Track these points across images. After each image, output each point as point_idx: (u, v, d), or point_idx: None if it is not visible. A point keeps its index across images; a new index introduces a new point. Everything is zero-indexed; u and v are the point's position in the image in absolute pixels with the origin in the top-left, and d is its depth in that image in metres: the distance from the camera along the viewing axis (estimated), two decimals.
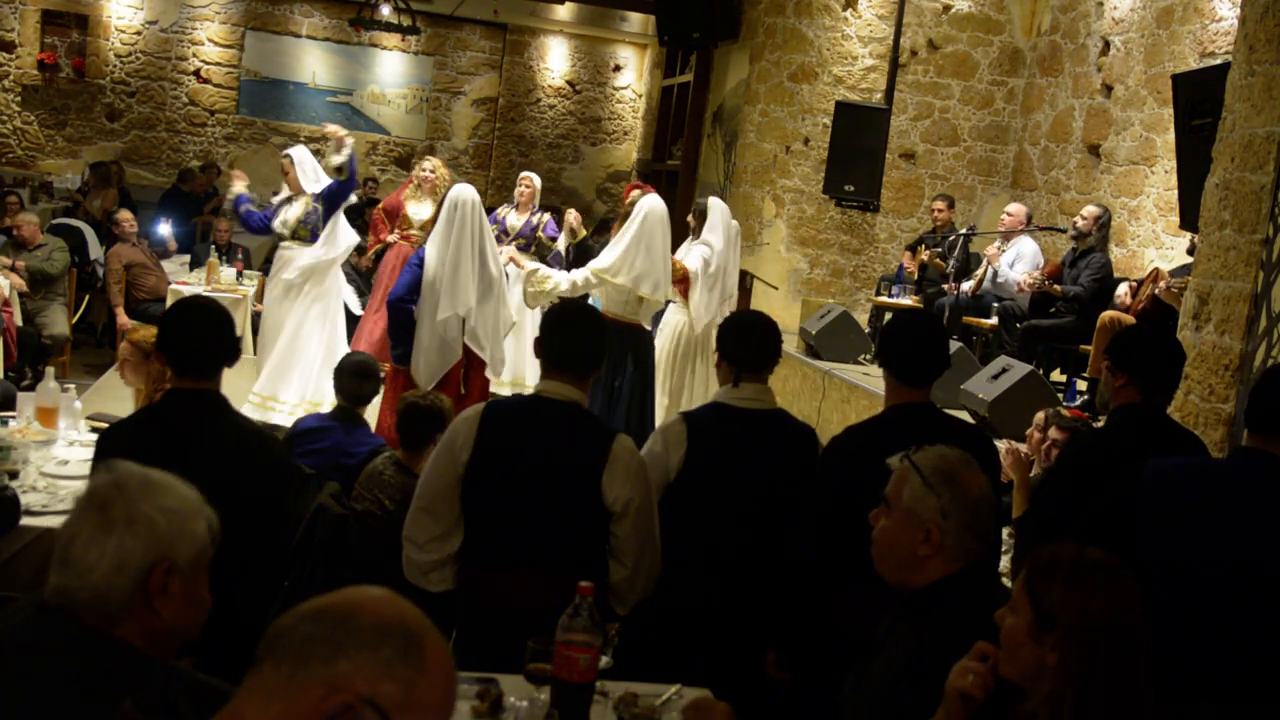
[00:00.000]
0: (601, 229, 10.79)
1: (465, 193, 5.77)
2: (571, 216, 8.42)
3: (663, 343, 6.88)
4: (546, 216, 8.65)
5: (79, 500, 1.82)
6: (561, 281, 6.07)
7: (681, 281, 6.74)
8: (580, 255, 8.25)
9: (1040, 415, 4.49)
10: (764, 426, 3.33)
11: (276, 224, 7.13)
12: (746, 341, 3.39)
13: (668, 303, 7.02)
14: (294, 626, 1.24)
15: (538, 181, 8.77)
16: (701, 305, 6.70)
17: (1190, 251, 6.48)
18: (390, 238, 8.24)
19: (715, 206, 6.95)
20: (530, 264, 6.55)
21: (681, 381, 6.79)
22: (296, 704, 1.21)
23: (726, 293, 6.96)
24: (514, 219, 8.64)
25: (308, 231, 7.06)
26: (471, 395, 5.63)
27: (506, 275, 6.69)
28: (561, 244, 8.43)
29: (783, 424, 3.39)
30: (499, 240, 8.49)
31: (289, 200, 7.17)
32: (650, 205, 6.12)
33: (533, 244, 8.59)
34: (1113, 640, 1.83)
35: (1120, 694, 1.82)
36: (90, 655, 1.72)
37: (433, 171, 8.28)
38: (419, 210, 8.14)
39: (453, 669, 1.28)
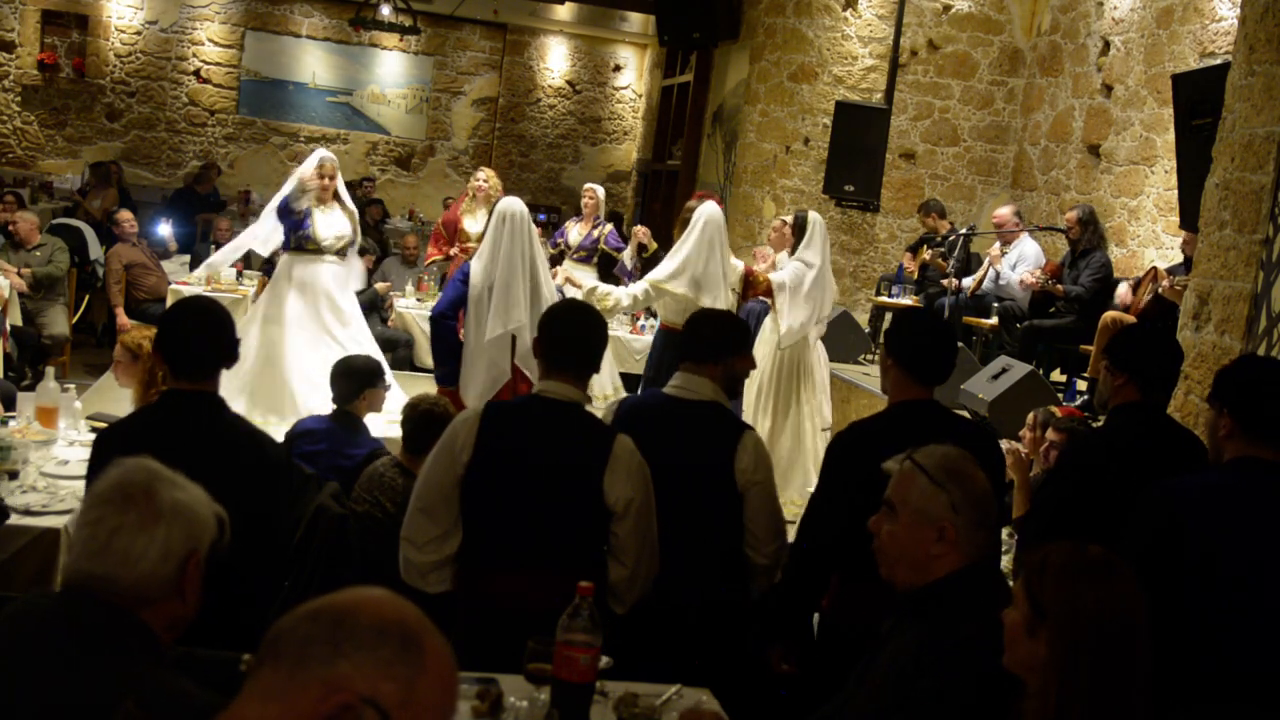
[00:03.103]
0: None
1: (513, 205, 5.57)
2: (640, 232, 8.37)
3: (758, 362, 6.75)
4: (609, 227, 8.60)
5: (106, 492, 1.87)
6: (623, 297, 5.98)
7: (766, 294, 6.61)
8: (651, 269, 8.17)
9: (1031, 415, 4.48)
10: (692, 417, 3.32)
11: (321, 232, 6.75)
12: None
13: (764, 311, 6.90)
14: (293, 627, 1.24)
15: (601, 193, 8.70)
16: (795, 322, 6.55)
17: (1186, 256, 6.48)
18: (451, 251, 8.20)
19: (815, 221, 6.81)
20: (588, 281, 6.41)
21: (787, 402, 6.56)
22: (295, 704, 1.21)
23: (823, 312, 6.80)
24: (575, 234, 8.59)
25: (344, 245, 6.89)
26: None
27: (562, 293, 6.55)
28: (627, 257, 8.37)
29: (708, 414, 3.35)
30: (560, 256, 8.46)
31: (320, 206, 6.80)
32: (709, 213, 5.96)
33: (594, 255, 8.55)
34: (1101, 635, 1.84)
35: (1106, 688, 1.83)
36: (116, 631, 1.78)
37: (486, 181, 8.22)
38: (474, 224, 8.06)
39: (453, 668, 1.28)
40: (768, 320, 6.76)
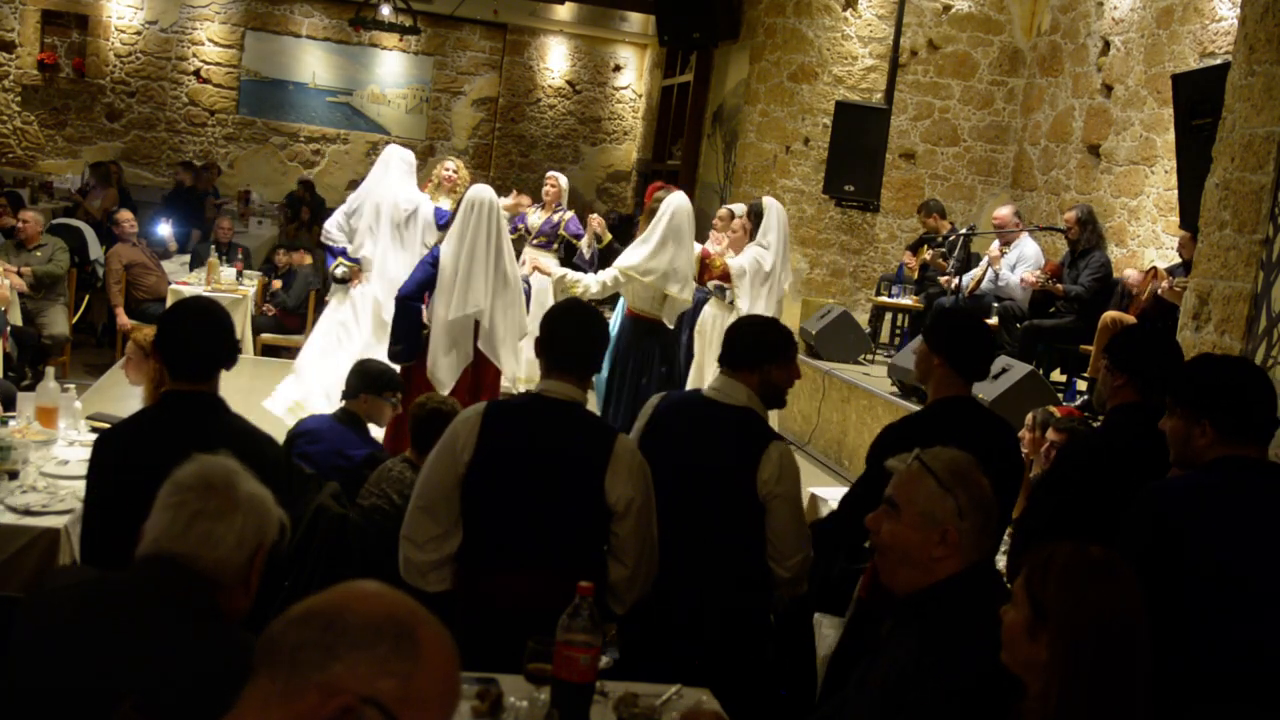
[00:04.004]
0: (623, 231, 10.72)
1: (483, 193, 5.69)
2: (595, 221, 8.37)
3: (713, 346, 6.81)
4: (570, 214, 8.60)
5: (187, 480, 1.95)
6: (592, 284, 6.03)
7: (722, 278, 6.66)
8: (607, 259, 8.19)
9: (1031, 416, 4.48)
10: (723, 420, 3.31)
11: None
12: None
13: (705, 299, 6.96)
14: (284, 632, 1.23)
15: (564, 181, 8.71)
16: (757, 307, 6.57)
17: (1183, 259, 6.48)
18: None
19: (771, 207, 6.85)
20: (557, 270, 6.47)
21: None
22: (294, 710, 1.20)
23: (781, 293, 6.86)
24: (535, 218, 8.60)
25: None
26: (483, 398, 5.58)
27: (528, 283, 6.58)
28: (585, 246, 8.38)
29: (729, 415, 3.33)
30: (519, 242, 8.46)
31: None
32: (677, 203, 6.05)
33: (555, 241, 8.54)
34: (1103, 637, 1.84)
35: (1108, 690, 1.83)
36: (201, 601, 1.88)
37: (455, 171, 8.24)
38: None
39: (452, 655, 1.26)
40: (708, 307, 6.84)
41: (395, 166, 7.04)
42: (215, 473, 1.96)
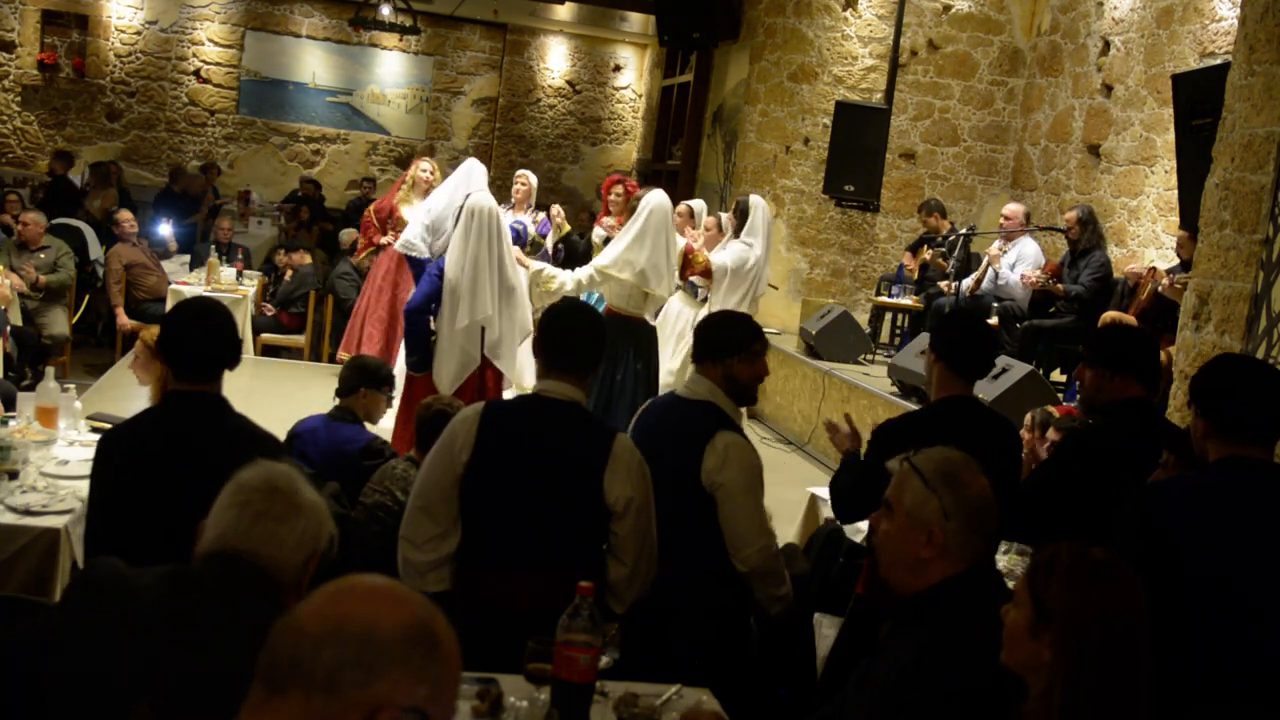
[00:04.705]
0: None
1: (482, 200, 5.73)
2: (555, 211, 8.41)
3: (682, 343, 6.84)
4: (541, 216, 8.63)
5: (253, 481, 2.01)
6: (567, 281, 6.06)
7: (703, 275, 6.68)
8: (567, 250, 8.23)
9: (1029, 416, 4.49)
10: (681, 415, 3.32)
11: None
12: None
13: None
14: (315, 651, 1.23)
15: (534, 180, 8.74)
16: (729, 304, 6.60)
17: (1181, 259, 6.49)
18: (383, 240, 8.17)
19: (758, 206, 6.88)
20: (536, 264, 6.52)
21: None
22: None
23: (759, 293, 6.89)
24: (507, 220, 8.61)
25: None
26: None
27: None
28: (549, 242, 8.40)
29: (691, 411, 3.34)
30: None
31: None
32: (656, 201, 6.09)
33: (526, 243, 8.57)
34: (1106, 639, 1.84)
35: (1111, 692, 1.83)
36: (269, 600, 1.92)
37: (430, 173, 8.23)
38: (412, 212, 8.08)
39: (457, 642, 1.31)
40: (674, 301, 6.88)
41: (476, 182, 7.04)
42: (280, 478, 2.03)
